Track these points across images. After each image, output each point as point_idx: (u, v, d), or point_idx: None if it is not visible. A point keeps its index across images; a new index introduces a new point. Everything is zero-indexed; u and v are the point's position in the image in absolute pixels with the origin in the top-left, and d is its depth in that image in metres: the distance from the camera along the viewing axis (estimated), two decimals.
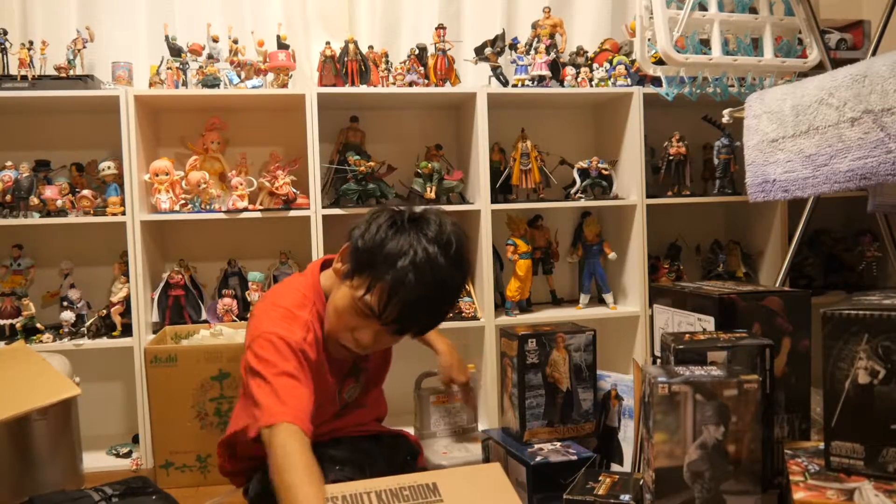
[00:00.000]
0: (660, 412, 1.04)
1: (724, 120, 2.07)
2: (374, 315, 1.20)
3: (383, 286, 1.17)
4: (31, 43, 2.16)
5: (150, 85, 2.22)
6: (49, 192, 2.12)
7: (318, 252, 2.17)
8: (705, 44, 2.03)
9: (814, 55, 2.06)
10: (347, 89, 2.25)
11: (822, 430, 1.08)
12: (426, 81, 2.31)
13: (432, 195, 2.30)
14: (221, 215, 2.20)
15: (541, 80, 2.35)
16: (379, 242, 1.19)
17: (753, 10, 2.03)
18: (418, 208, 1.26)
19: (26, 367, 1.81)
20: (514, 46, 2.38)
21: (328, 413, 1.40)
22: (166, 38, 2.23)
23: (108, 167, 2.18)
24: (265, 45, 2.27)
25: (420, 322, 1.25)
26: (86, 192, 2.15)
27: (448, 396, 1.75)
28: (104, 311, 2.23)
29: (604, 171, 2.42)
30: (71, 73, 2.15)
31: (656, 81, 2.31)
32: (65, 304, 2.21)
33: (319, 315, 1.30)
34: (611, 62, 2.42)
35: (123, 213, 2.13)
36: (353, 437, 1.45)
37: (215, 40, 2.27)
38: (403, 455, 1.52)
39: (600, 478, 1.27)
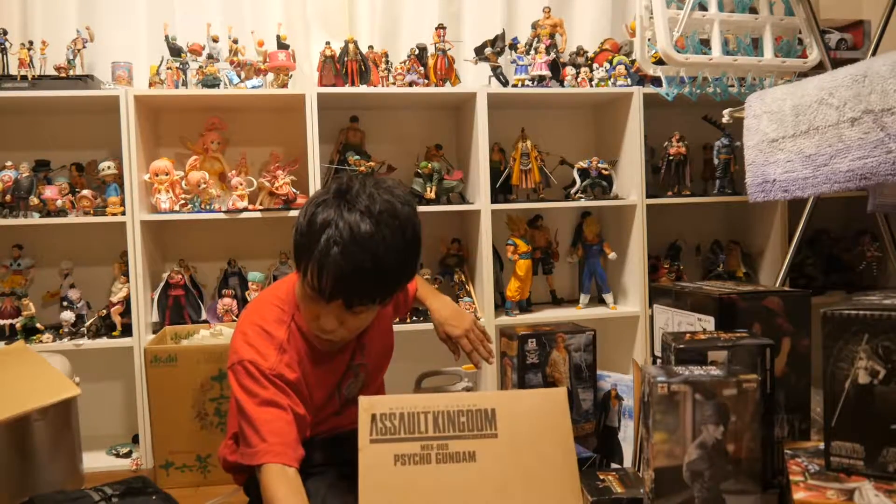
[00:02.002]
0: (659, 412, 1.04)
1: (724, 120, 2.07)
2: (316, 293, 1.21)
3: (313, 263, 1.19)
4: (31, 43, 2.16)
5: (150, 85, 2.22)
6: (49, 192, 2.12)
7: None
8: (705, 44, 2.03)
9: (814, 55, 2.06)
10: (347, 89, 2.25)
11: (822, 430, 1.08)
12: (426, 81, 2.31)
13: (432, 195, 2.30)
14: (221, 215, 2.20)
15: (541, 80, 2.35)
16: (307, 223, 1.21)
17: (753, 10, 2.03)
18: (349, 178, 1.24)
19: (26, 367, 1.81)
20: (514, 46, 2.38)
21: (327, 412, 1.40)
22: (166, 38, 2.23)
23: (108, 167, 2.18)
24: (265, 45, 2.27)
25: (361, 293, 1.22)
26: (86, 192, 2.15)
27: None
28: (104, 311, 2.23)
29: (604, 171, 2.42)
30: (71, 73, 2.15)
31: (656, 81, 2.31)
32: (65, 304, 2.21)
33: (299, 326, 1.32)
34: (611, 62, 2.42)
35: (123, 213, 2.13)
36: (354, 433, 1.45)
37: (215, 40, 2.27)
38: None
39: (602, 477, 1.27)
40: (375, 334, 1.44)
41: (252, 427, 1.20)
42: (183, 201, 2.22)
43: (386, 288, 1.25)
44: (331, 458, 1.34)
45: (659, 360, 1.38)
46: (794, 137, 1.66)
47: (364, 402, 1.16)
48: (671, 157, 2.48)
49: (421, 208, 2.25)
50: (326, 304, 1.22)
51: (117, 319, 2.19)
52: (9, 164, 2.12)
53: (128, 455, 2.18)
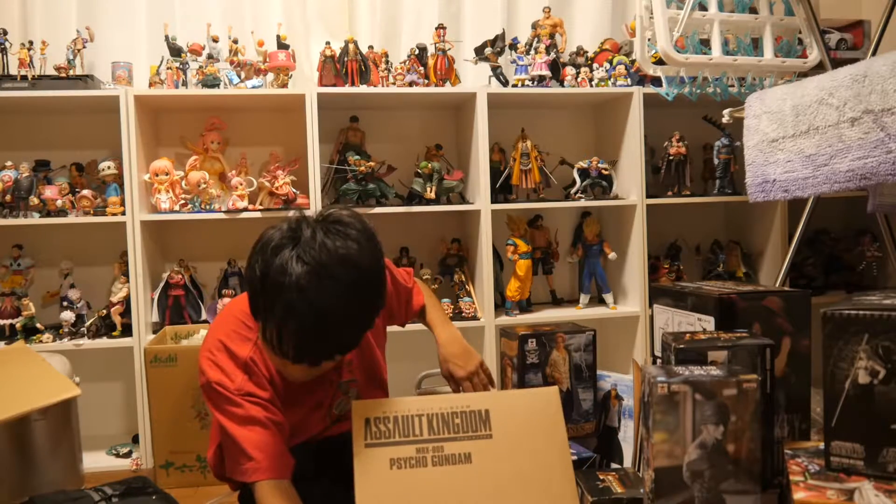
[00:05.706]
0: (659, 412, 1.03)
1: (724, 120, 2.07)
2: (280, 355, 1.15)
3: (272, 327, 1.12)
4: (31, 43, 2.16)
5: (150, 85, 2.22)
6: (49, 192, 2.12)
7: None
8: (705, 44, 2.03)
9: (814, 55, 2.06)
10: (347, 89, 2.25)
11: (822, 430, 1.08)
12: (426, 81, 2.31)
13: (432, 195, 2.30)
14: (221, 215, 2.20)
15: (541, 80, 2.35)
16: (260, 278, 1.13)
17: (753, 10, 2.03)
18: (297, 224, 1.16)
19: (26, 368, 1.81)
20: (514, 46, 2.38)
21: (317, 428, 1.37)
22: (166, 38, 2.23)
23: (108, 167, 2.18)
24: (265, 45, 2.27)
25: (327, 353, 1.16)
26: (86, 192, 2.15)
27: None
28: (104, 311, 2.23)
29: (604, 171, 2.42)
30: (71, 73, 2.15)
31: (656, 81, 2.31)
32: (65, 304, 2.21)
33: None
34: (611, 62, 2.42)
35: (123, 213, 2.13)
36: (346, 439, 1.43)
37: (215, 40, 2.27)
38: None
39: (602, 477, 1.27)
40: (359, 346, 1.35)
41: (237, 446, 1.17)
42: (183, 201, 2.22)
43: (351, 342, 1.19)
44: (324, 466, 1.32)
45: (659, 360, 1.38)
46: (794, 137, 1.66)
47: (357, 406, 1.16)
48: (671, 157, 2.48)
49: (421, 208, 2.28)
50: (292, 363, 1.17)
51: (117, 319, 2.19)
52: (9, 164, 2.12)
53: (128, 455, 2.18)
